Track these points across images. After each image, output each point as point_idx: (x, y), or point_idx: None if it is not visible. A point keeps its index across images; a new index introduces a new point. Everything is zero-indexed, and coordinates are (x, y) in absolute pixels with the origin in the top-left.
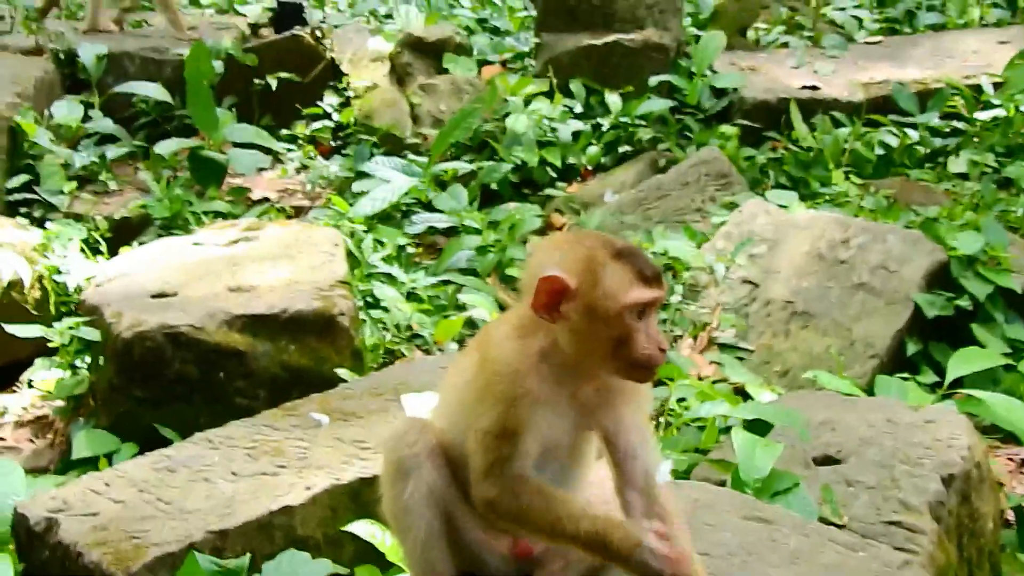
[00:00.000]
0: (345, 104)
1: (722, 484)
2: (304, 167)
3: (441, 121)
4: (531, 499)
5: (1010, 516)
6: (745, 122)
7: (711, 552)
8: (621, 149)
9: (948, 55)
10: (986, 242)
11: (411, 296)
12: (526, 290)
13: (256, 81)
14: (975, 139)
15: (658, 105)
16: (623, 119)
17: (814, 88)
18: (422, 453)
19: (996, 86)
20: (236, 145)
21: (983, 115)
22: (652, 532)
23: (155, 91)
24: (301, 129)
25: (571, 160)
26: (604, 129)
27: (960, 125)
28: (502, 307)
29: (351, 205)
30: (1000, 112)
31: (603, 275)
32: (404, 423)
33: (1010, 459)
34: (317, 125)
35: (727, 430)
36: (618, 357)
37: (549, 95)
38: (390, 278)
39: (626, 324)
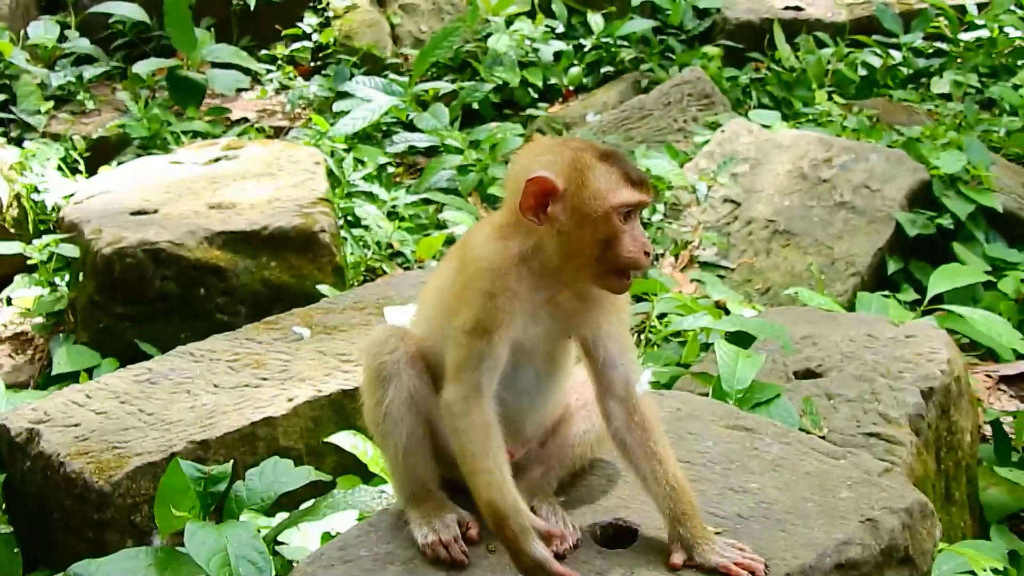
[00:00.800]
0: (325, 24)
1: (704, 396)
2: (284, 87)
3: (422, 41)
4: (471, 425)
5: (987, 431)
6: (728, 42)
7: (693, 460)
8: (603, 70)
9: None
10: (968, 161)
11: (392, 215)
12: (510, 192)
13: (235, 1)
14: (958, 60)
15: (640, 25)
16: (605, 39)
17: (797, 8)
18: (402, 360)
19: (980, 7)
20: (215, 65)
21: (967, 36)
22: (542, 547)
23: (132, 11)
24: (280, 49)
25: (553, 80)
26: (586, 49)
27: (944, 46)
28: None
29: (331, 124)
30: (984, 33)
31: (591, 176)
32: (383, 330)
33: (988, 375)
34: (296, 46)
35: (707, 347)
36: (604, 260)
37: (531, 15)
38: (371, 196)
39: (613, 226)
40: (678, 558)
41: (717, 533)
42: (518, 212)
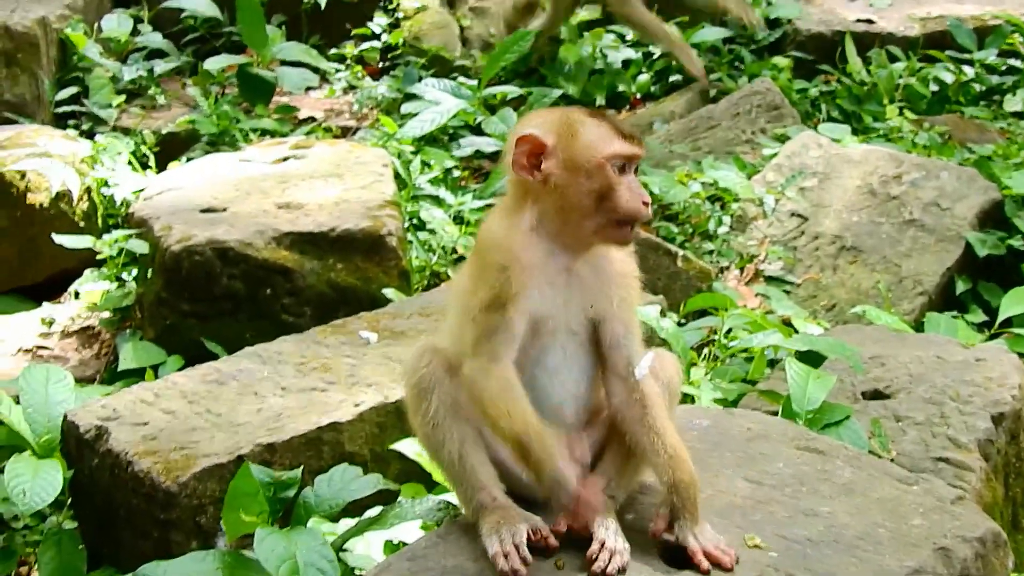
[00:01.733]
0: (394, 25)
1: (772, 415)
2: (352, 87)
3: (491, 44)
4: (494, 383)
5: None
6: (799, 54)
7: (763, 481)
8: (672, 78)
9: None
10: None
11: (457, 219)
12: (507, 161)
13: (305, 0)
14: None
15: (712, 34)
16: None
17: (869, 21)
18: (438, 370)
19: None
20: (284, 63)
21: None
22: (574, 469)
23: (204, 6)
24: (350, 49)
25: (621, 88)
26: (655, 58)
27: (1017, 63)
28: None
29: (400, 126)
30: None
31: (581, 130)
32: (415, 349)
33: None
34: (365, 46)
35: (773, 364)
36: (603, 212)
37: (601, 23)
38: (437, 200)
39: (608, 176)
40: (660, 524)
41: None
42: (521, 185)
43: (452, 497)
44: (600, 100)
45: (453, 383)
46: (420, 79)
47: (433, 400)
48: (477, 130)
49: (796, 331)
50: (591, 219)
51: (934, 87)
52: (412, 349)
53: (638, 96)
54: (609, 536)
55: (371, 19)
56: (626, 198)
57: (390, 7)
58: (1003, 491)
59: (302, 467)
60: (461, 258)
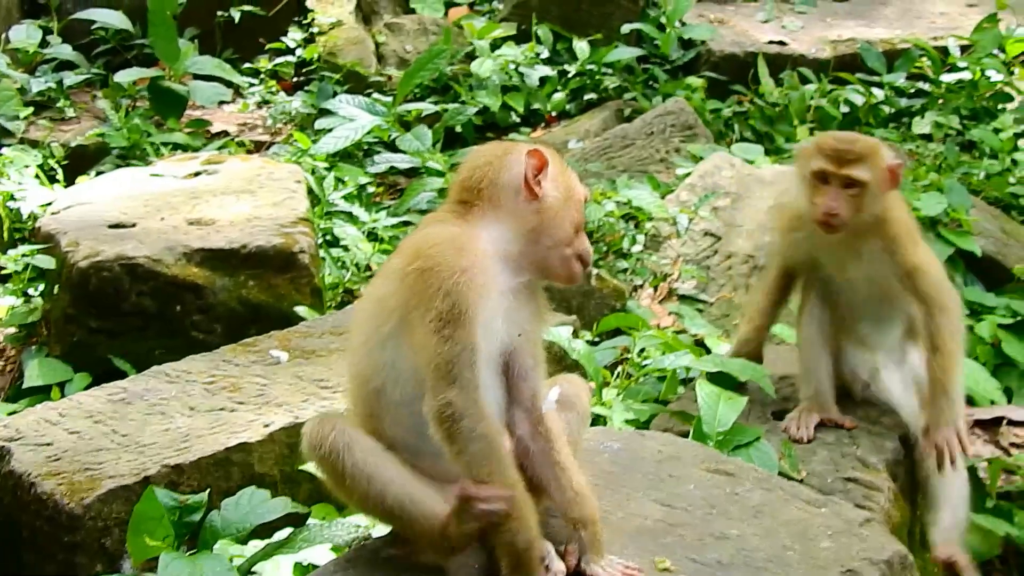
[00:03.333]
0: (309, 40)
1: (683, 436)
2: (266, 102)
3: (406, 61)
4: (490, 430)
5: None
6: (712, 74)
7: (673, 504)
8: (587, 97)
9: (916, 16)
10: (948, 204)
11: (371, 236)
12: (473, 182)
13: (219, 13)
14: (940, 101)
15: (626, 54)
16: (590, 66)
17: (782, 43)
18: (346, 428)
19: (963, 49)
20: (197, 77)
21: (949, 77)
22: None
23: (116, 19)
24: (264, 63)
25: (536, 105)
26: (570, 76)
27: (926, 86)
28: None
29: (313, 142)
30: (966, 75)
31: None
32: (310, 425)
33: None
34: (280, 60)
35: (686, 382)
36: (575, 244)
37: (516, 39)
38: (351, 217)
39: (583, 213)
40: (571, 561)
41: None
42: (490, 201)
43: (362, 519)
44: (515, 118)
45: (364, 434)
46: (334, 95)
47: (355, 453)
48: (392, 146)
49: (709, 350)
50: (563, 248)
51: (844, 109)
52: (306, 427)
53: (553, 114)
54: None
55: (286, 34)
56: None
57: (305, 22)
58: (911, 510)
59: (209, 489)
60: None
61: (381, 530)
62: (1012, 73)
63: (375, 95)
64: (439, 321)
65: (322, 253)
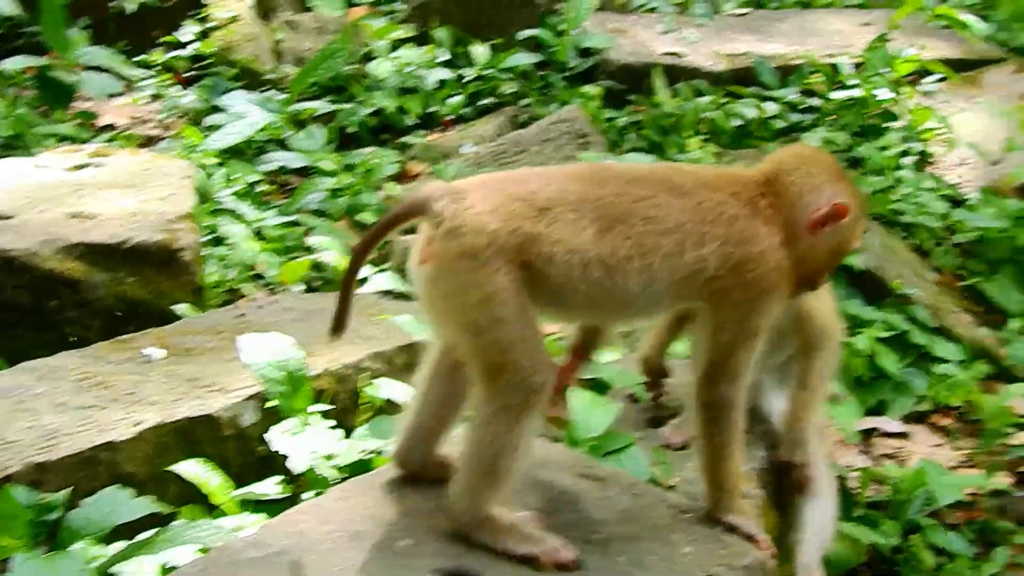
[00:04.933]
0: (205, 35)
1: (556, 441)
2: (158, 96)
3: (303, 59)
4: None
5: None
6: (609, 83)
7: (543, 508)
8: (484, 101)
9: (811, 33)
10: None
11: (258, 235)
12: (789, 188)
13: (113, 4)
14: (830, 117)
15: (524, 59)
16: (488, 71)
17: (678, 55)
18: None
19: (855, 67)
20: (88, 68)
21: (839, 94)
22: None
23: (4, 4)
24: (157, 56)
25: (433, 108)
26: (468, 80)
27: (817, 102)
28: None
29: (204, 138)
30: (856, 93)
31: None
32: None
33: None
34: (174, 54)
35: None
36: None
37: (416, 41)
38: (238, 215)
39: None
40: None
41: None
42: (773, 195)
43: (228, 521)
44: (412, 120)
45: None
46: (228, 91)
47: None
48: (285, 145)
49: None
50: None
51: (737, 122)
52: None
53: (449, 118)
54: None
55: (181, 27)
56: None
57: (201, 16)
58: (781, 518)
59: (72, 488)
60: (261, 275)
61: (248, 530)
62: (900, 93)
63: (270, 92)
64: (756, 331)
65: (207, 251)
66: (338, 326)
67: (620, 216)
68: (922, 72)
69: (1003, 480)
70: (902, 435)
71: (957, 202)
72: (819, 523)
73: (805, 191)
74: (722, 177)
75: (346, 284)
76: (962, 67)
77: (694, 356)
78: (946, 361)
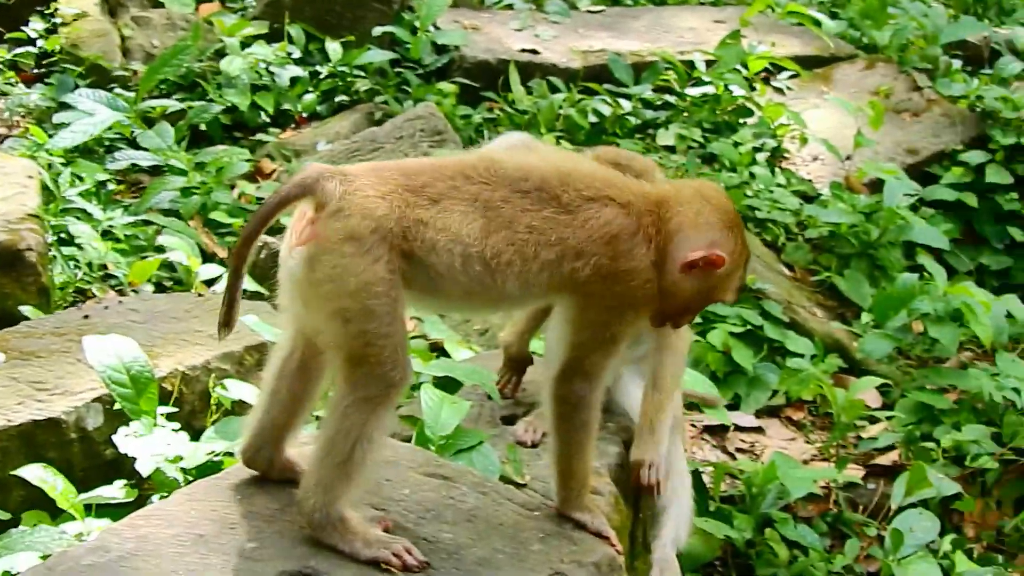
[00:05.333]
0: (51, 31)
1: (408, 440)
2: (3, 94)
3: (153, 56)
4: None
5: None
6: (464, 80)
7: (388, 508)
8: (338, 99)
9: (665, 30)
10: None
11: (107, 234)
12: (673, 218)
13: None
14: (684, 113)
15: (378, 57)
16: (342, 68)
17: (534, 52)
18: None
19: (708, 64)
20: None
21: (693, 91)
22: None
23: None
24: (2, 54)
25: (286, 106)
26: (322, 77)
27: (671, 99)
28: (203, 251)
29: (50, 136)
30: (710, 89)
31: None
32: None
33: (692, 425)
34: (20, 50)
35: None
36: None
37: (268, 38)
38: (86, 214)
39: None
40: None
41: None
42: (661, 216)
43: (73, 526)
44: (265, 117)
45: None
46: (76, 88)
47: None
48: (135, 144)
49: (448, 355)
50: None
51: (593, 118)
52: None
53: (304, 115)
54: None
55: (27, 23)
56: None
57: (48, 12)
58: (633, 514)
59: None
60: (111, 275)
61: (87, 537)
62: (753, 89)
63: (118, 90)
64: (619, 333)
65: (54, 251)
66: (226, 321)
67: (506, 222)
68: (775, 69)
69: (854, 473)
70: (756, 429)
71: (809, 198)
72: (675, 518)
73: (688, 227)
74: (616, 186)
75: (233, 277)
76: (813, 64)
77: (553, 351)
78: (799, 355)
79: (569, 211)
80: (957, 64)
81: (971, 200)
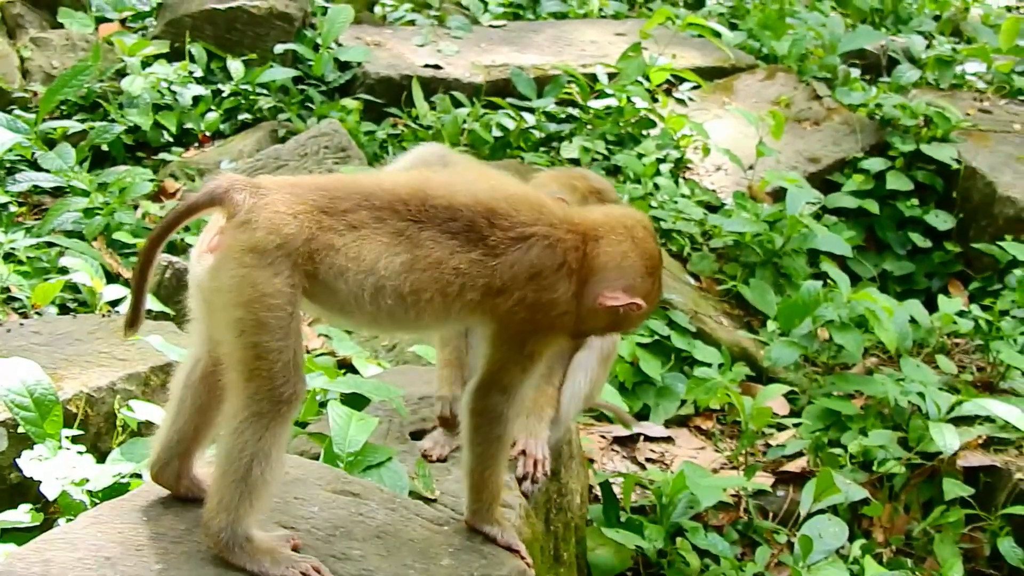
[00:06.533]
0: None
1: (317, 458)
2: None
3: (53, 77)
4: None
5: (598, 491)
6: (368, 96)
7: (297, 526)
8: (241, 117)
9: (567, 43)
10: None
11: (9, 257)
12: (602, 254)
13: None
14: (588, 126)
15: (281, 74)
16: (244, 86)
17: (437, 67)
18: None
19: (610, 76)
20: None
21: (596, 103)
22: None
23: None
24: None
25: (189, 125)
26: (224, 95)
27: (575, 112)
28: (107, 271)
29: None
30: (612, 102)
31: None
32: None
33: (602, 436)
34: None
35: (325, 404)
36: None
37: (169, 57)
38: None
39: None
40: None
41: None
42: (587, 251)
43: None
44: (168, 137)
45: None
46: None
47: None
48: (36, 165)
49: (356, 371)
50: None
51: (497, 132)
52: None
53: (207, 134)
54: None
55: None
56: None
57: None
58: (544, 526)
59: None
60: (12, 298)
61: None
62: (656, 101)
63: (18, 111)
64: (535, 352)
65: None
66: (133, 321)
67: (433, 263)
68: (676, 80)
69: (764, 480)
70: (666, 439)
71: (713, 208)
72: (576, 386)
73: (611, 267)
74: (543, 220)
75: (139, 276)
76: (714, 75)
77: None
78: (707, 365)
79: (496, 254)
80: (855, 73)
81: (872, 207)
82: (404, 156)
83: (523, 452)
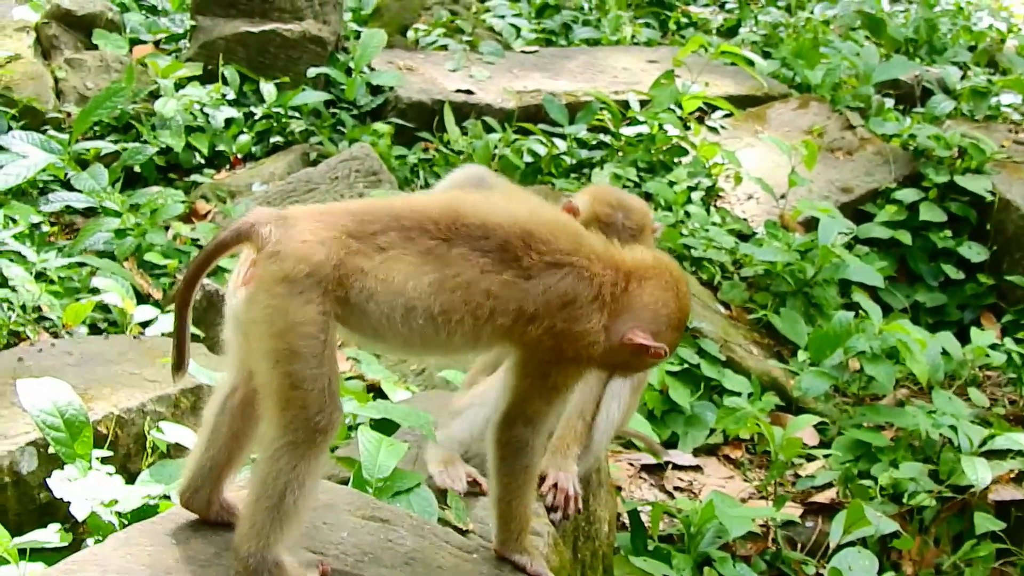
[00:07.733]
0: None
1: (346, 482)
2: None
3: (87, 98)
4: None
5: (626, 519)
6: (399, 121)
7: (326, 552)
8: (273, 139)
9: (599, 70)
10: None
11: (41, 276)
12: (633, 293)
13: None
14: (619, 153)
15: (313, 97)
16: (276, 109)
17: (469, 92)
18: None
19: (642, 103)
20: None
21: (628, 130)
22: None
23: None
24: None
25: (221, 147)
26: (257, 118)
27: (606, 139)
28: (138, 292)
29: None
30: (644, 129)
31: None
32: None
33: (631, 464)
34: None
35: (357, 427)
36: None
37: (202, 79)
38: (20, 257)
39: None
40: None
41: None
42: (619, 288)
43: (6, 571)
44: (200, 159)
45: None
46: (9, 130)
47: None
48: (69, 185)
49: (385, 395)
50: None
51: (528, 158)
52: None
53: (238, 156)
54: None
55: None
56: None
57: None
58: (571, 555)
59: None
60: (44, 317)
61: None
62: (688, 128)
63: (52, 132)
64: (564, 386)
65: None
66: (179, 364)
67: (463, 282)
68: (708, 108)
69: (793, 511)
70: (695, 468)
71: (745, 236)
72: (609, 416)
73: (646, 309)
74: (582, 251)
75: (179, 319)
76: (747, 103)
77: (500, 396)
78: (736, 394)
79: (529, 276)
80: (889, 103)
81: (905, 238)
82: (445, 178)
83: (554, 486)
